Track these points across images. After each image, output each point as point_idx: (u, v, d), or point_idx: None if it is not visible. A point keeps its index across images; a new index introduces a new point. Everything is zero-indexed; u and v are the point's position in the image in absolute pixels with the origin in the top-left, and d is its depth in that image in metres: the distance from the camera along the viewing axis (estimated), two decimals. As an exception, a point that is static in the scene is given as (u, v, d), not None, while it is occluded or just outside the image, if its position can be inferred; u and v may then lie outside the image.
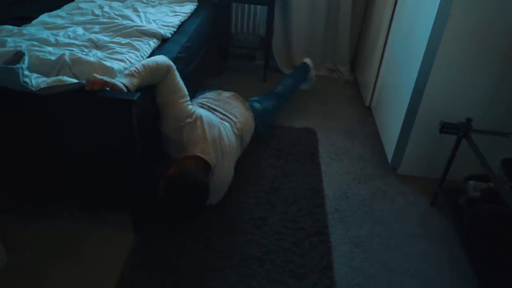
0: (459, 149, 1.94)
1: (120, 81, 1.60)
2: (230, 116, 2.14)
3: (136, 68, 1.69)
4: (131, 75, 1.66)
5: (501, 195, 1.60)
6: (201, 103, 2.18)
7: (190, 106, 1.89)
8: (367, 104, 2.97)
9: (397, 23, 2.52)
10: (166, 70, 1.78)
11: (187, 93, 1.89)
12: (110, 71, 1.68)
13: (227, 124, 2.07)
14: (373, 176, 2.32)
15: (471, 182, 1.92)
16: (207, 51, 2.80)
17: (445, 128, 1.90)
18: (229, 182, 2.01)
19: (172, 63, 1.82)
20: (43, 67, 1.67)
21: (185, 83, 2.11)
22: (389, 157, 2.37)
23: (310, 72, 2.94)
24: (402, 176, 2.32)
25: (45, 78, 1.59)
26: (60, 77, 1.58)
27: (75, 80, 1.59)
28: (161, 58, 1.81)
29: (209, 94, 2.31)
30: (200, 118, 1.88)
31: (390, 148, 2.38)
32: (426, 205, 2.14)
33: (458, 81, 2.04)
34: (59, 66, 1.67)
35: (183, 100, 1.85)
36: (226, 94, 2.33)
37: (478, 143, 1.81)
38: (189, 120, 1.84)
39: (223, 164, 1.92)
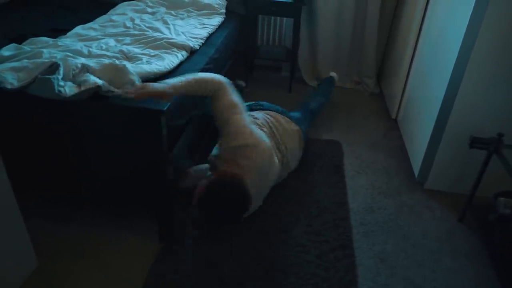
0: (489, 165, 1.89)
1: (164, 83, 1.72)
2: (285, 155, 2.13)
3: (186, 78, 1.80)
4: (178, 81, 1.76)
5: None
6: (266, 120, 2.16)
7: (251, 128, 1.90)
8: (393, 116, 2.94)
9: (426, 33, 2.50)
10: (216, 86, 1.84)
11: (242, 109, 1.90)
12: (123, 70, 1.72)
13: (277, 159, 2.06)
14: (399, 190, 2.29)
15: (502, 199, 1.86)
16: (233, 63, 2.83)
17: (475, 143, 1.87)
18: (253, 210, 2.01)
19: (225, 80, 1.88)
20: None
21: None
22: (416, 171, 2.34)
23: (334, 86, 3.03)
24: (429, 190, 2.28)
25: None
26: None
27: (98, 81, 1.63)
28: (216, 76, 1.90)
29: (277, 116, 2.25)
30: (263, 148, 1.89)
31: (417, 162, 2.35)
32: (453, 221, 2.09)
33: (490, 94, 1.99)
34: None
35: (239, 116, 1.87)
36: (294, 127, 2.26)
37: (510, 159, 1.77)
38: (250, 145, 1.85)
39: (255, 198, 1.92)
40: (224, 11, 2.89)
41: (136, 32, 2.29)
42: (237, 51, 2.94)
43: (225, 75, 2.55)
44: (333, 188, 2.24)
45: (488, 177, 1.94)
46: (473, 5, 1.82)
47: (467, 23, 1.87)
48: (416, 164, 2.35)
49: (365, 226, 2.02)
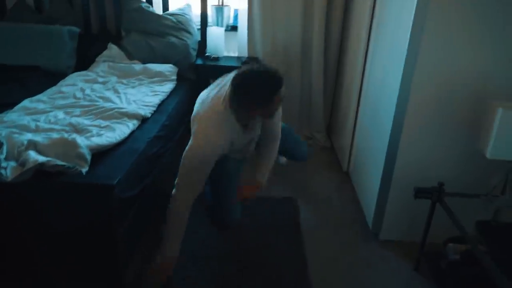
0: (437, 211, 1.96)
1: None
2: None
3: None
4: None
5: (478, 258, 1.63)
6: None
7: None
8: (344, 169, 3.05)
9: (367, 88, 2.64)
10: None
11: None
12: (73, 144, 1.71)
13: None
14: (355, 242, 2.33)
15: (451, 245, 1.93)
16: (185, 128, 2.87)
17: (419, 193, 1.95)
18: None
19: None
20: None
21: (164, 161, 2.16)
22: (370, 222, 2.40)
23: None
24: (383, 241, 2.34)
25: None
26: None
27: (40, 158, 1.60)
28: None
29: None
30: None
31: (369, 213, 2.41)
32: (409, 270, 2.14)
33: (429, 144, 2.10)
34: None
35: None
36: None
37: (455, 204, 1.86)
38: None
39: None
40: (175, 77, 2.96)
41: (86, 103, 2.29)
42: (189, 116, 2.98)
43: (177, 141, 2.60)
44: (291, 244, 2.24)
45: (437, 224, 2.01)
46: (404, 57, 1.94)
47: (401, 77, 1.98)
48: (369, 216, 2.41)
49: (324, 281, 2.02)
